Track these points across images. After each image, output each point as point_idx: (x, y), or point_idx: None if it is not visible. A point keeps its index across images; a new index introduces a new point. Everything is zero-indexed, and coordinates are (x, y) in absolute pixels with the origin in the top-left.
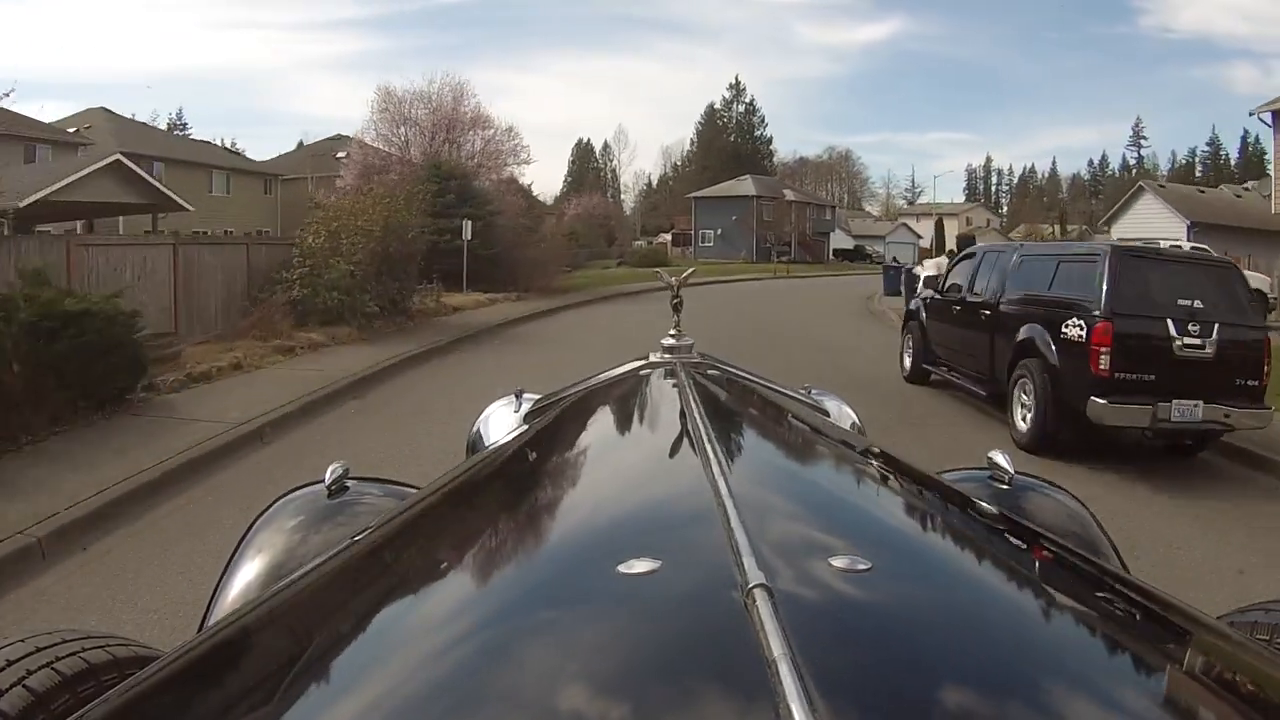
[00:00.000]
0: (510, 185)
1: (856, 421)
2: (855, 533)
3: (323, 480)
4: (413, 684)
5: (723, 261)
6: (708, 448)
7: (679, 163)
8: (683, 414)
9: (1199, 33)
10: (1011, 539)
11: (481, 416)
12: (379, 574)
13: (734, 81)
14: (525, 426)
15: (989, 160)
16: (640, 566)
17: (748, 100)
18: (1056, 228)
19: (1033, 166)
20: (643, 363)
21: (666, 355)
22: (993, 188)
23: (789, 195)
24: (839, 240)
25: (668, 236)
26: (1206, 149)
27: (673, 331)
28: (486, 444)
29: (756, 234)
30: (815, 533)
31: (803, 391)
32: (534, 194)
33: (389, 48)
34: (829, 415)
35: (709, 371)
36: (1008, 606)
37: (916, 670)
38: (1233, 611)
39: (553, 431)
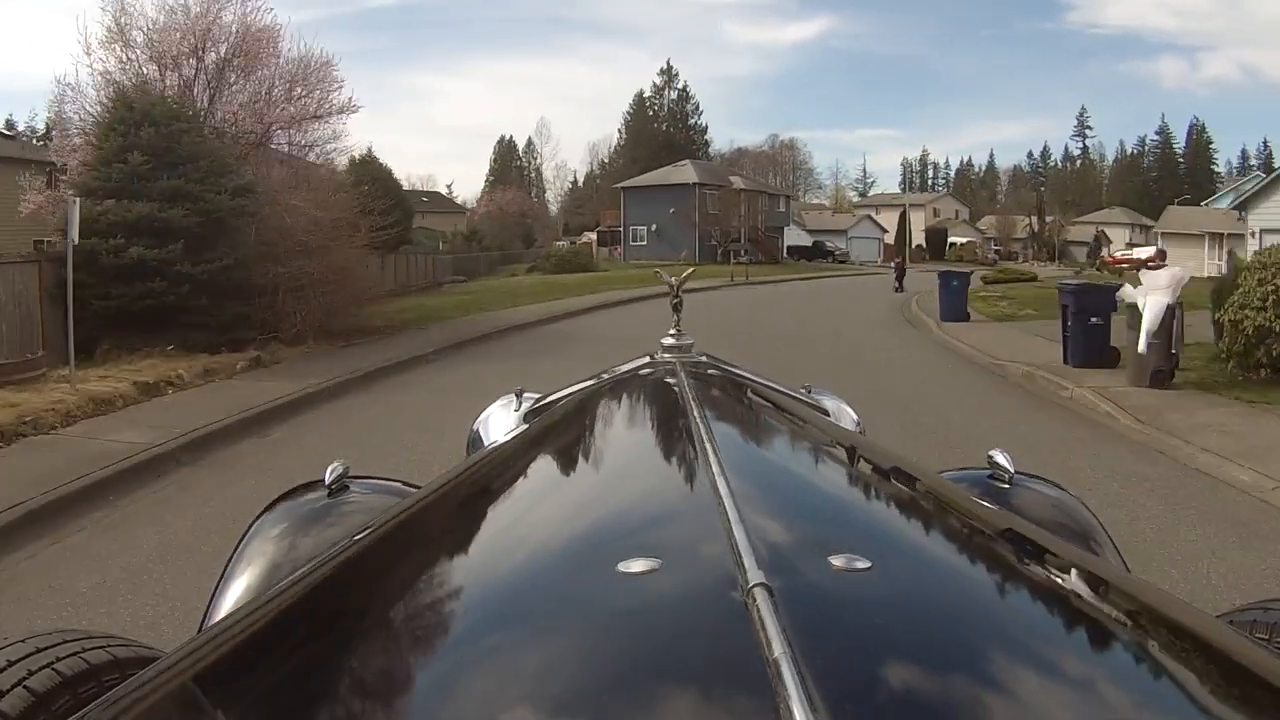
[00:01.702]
0: (366, 166)
1: (857, 421)
2: (855, 532)
3: (323, 480)
4: (413, 683)
5: (659, 264)
6: (707, 447)
7: (606, 159)
8: (683, 413)
9: (1126, 28)
10: (1011, 538)
11: (481, 416)
12: (379, 573)
13: (665, 67)
14: (525, 426)
15: (925, 154)
16: (640, 566)
17: (680, 86)
18: (1033, 219)
19: (969, 159)
20: (643, 362)
21: (666, 355)
22: (929, 182)
23: (737, 182)
24: (793, 236)
25: (593, 235)
26: (1156, 138)
27: (672, 331)
28: (486, 443)
29: (700, 229)
30: (815, 532)
31: (802, 391)
32: (391, 174)
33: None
34: (829, 414)
35: (709, 371)
36: (1007, 606)
37: (917, 670)
38: (1232, 611)
39: (552, 431)
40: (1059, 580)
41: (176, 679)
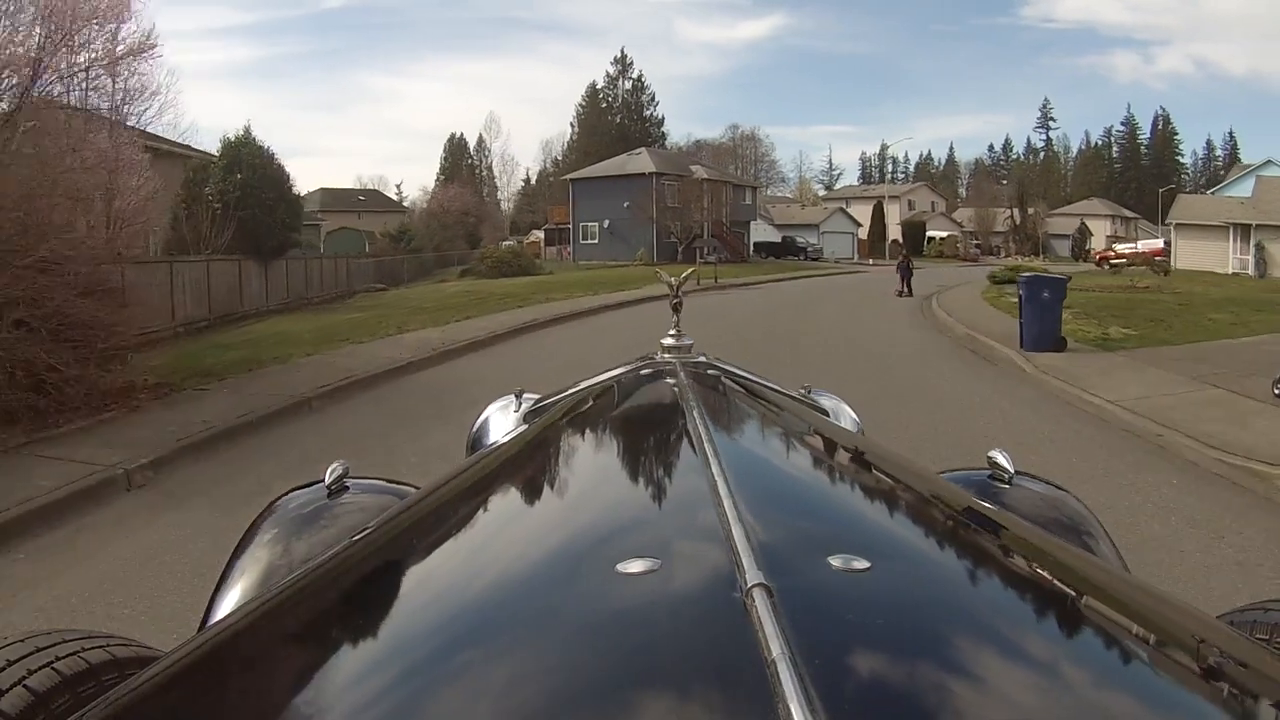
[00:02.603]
0: (240, 148)
1: (856, 421)
2: (854, 532)
3: (323, 480)
4: (413, 683)
5: (611, 264)
6: (707, 447)
7: (559, 156)
8: (682, 413)
9: (1081, 22)
10: (1010, 538)
11: (481, 416)
12: (378, 574)
13: (619, 56)
14: (525, 426)
15: (884, 147)
16: (639, 566)
17: (635, 76)
18: (1014, 211)
19: (929, 153)
20: (643, 362)
21: (666, 355)
22: (889, 176)
23: (699, 172)
24: (760, 232)
25: (540, 234)
26: (1122, 128)
27: (672, 331)
28: (486, 444)
29: (657, 225)
30: (814, 532)
31: (802, 391)
32: (274, 160)
33: (272, 54)
34: (828, 415)
35: (708, 371)
36: (1007, 606)
37: (916, 670)
38: (1232, 611)
39: (552, 431)
40: (1058, 580)
41: (176, 679)
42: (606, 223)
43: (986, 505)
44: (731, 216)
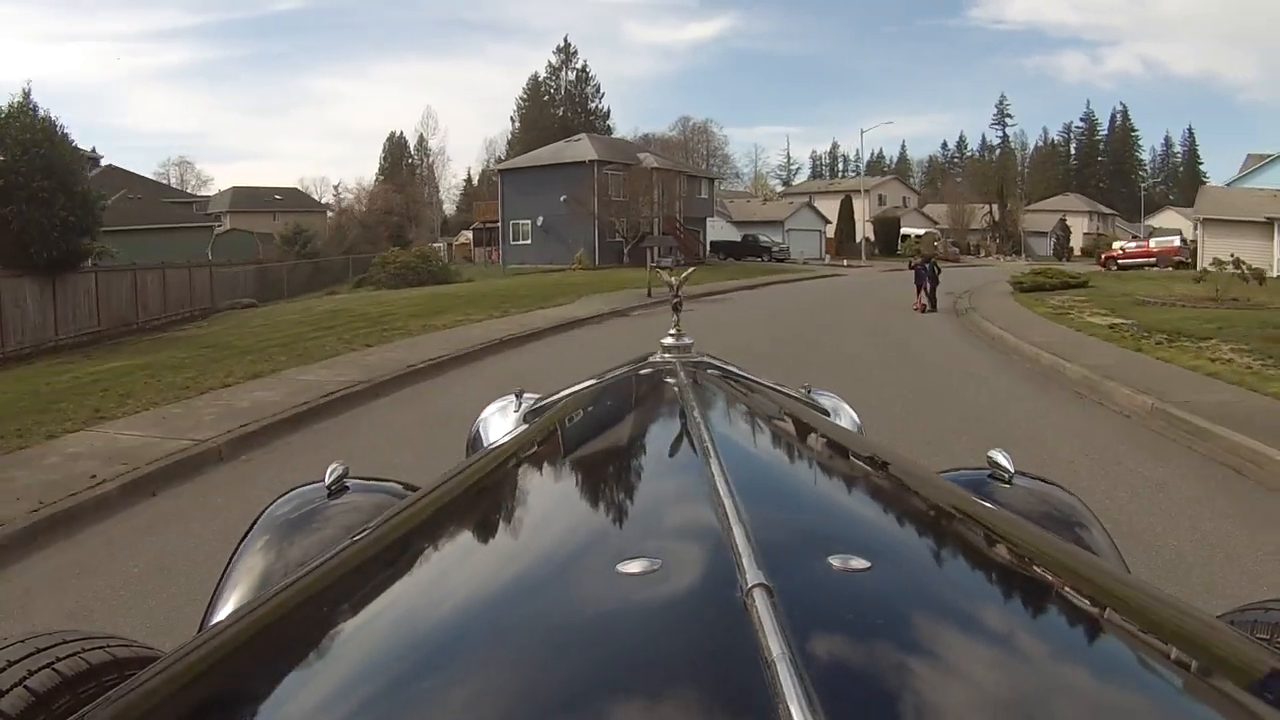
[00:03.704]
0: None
1: (856, 421)
2: (854, 532)
3: (322, 480)
4: (413, 683)
5: (547, 268)
6: (707, 447)
7: (502, 155)
8: (682, 413)
9: (1028, 23)
10: (1011, 538)
11: (481, 416)
12: (378, 573)
13: (562, 44)
14: (525, 426)
15: (835, 146)
16: (639, 566)
17: (579, 66)
18: (994, 207)
19: (880, 151)
20: (643, 362)
21: (666, 355)
22: (840, 174)
23: (649, 160)
24: (718, 230)
25: (469, 234)
26: (1081, 123)
27: (672, 331)
28: (486, 444)
29: (599, 222)
30: (815, 532)
31: (802, 391)
32: (66, 140)
33: (220, 57)
34: (829, 414)
35: (708, 371)
36: (1007, 606)
37: (916, 670)
38: (1232, 611)
39: (552, 431)
40: (1058, 580)
41: (176, 679)
42: (540, 220)
43: (987, 505)
44: (686, 212)
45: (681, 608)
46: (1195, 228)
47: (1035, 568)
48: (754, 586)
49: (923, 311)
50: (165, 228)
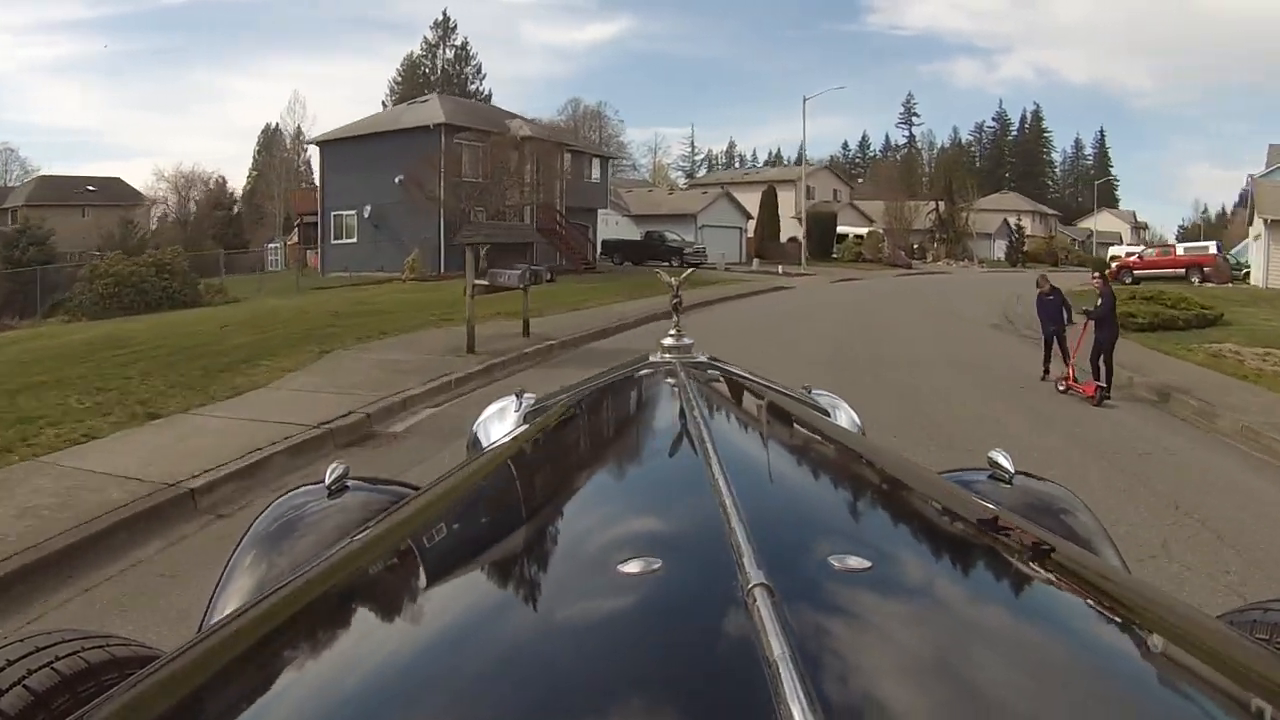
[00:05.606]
0: None
1: (857, 421)
2: (855, 532)
3: (323, 480)
4: (413, 682)
5: (376, 277)
6: (708, 447)
7: None
8: (682, 413)
9: (925, 29)
10: (1011, 538)
11: (482, 417)
12: (378, 573)
13: (441, 18)
14: (525, 426)
15: (732, 145)
16: (640, 566)
17: (458, 43)
18: (940, 205)
19: (778, 151)
20: (643, 362)
21: (666, 355)
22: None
23: (521, 129)
24: (612, 227)
25: (293, 235)
26: (993, 124)
27: (672, 331)
28: (487, 444)
29: (445, 211)
30: (815, 532)
31: (802, 391)
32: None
33: (114, 51)
34: (829, 415)
35: (709, 371)
36: (1006, 605)
37: (916, 670)
38: (1231, 611)
39: (553, 431)
40: (1058, 580)
41: (176, 679)
42: (368, 210)
43: (987, 505)
44: (570, 200)
45: (683, 608)
46: (1260, 228)
47: (1035, 567)
48: (755, 586)
49: (1094, 401)
50: None
